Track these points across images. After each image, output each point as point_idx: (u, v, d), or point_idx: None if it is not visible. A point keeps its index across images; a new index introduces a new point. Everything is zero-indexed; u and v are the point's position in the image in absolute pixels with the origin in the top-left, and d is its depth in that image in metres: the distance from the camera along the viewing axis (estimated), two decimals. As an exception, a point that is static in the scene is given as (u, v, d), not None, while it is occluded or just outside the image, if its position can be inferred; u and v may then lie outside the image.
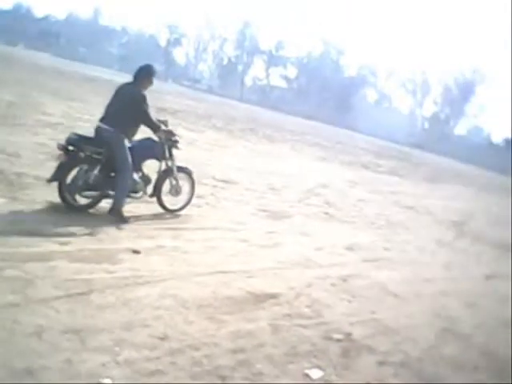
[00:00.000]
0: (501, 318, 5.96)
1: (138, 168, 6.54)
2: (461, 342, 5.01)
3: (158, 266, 5.01)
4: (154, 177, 6.88)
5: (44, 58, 49.62)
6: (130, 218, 6.33)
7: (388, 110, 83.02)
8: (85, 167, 6.12)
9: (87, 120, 12.72)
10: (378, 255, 7.39)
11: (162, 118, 7.04)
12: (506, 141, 68.28)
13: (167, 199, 7.03)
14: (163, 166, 6.93)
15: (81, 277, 4.38)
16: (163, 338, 3.73)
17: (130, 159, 6.22)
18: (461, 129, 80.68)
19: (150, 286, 4.53)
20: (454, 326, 5.36)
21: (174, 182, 6.99)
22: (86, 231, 5.55)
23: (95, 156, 6.10)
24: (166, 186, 6.96)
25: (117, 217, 6.15)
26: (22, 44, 74.68)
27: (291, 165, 15.02)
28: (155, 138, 6.64)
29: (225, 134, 18.67)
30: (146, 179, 6.69)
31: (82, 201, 6.20)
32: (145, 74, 6.48)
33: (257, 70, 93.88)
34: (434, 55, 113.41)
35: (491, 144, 69.85)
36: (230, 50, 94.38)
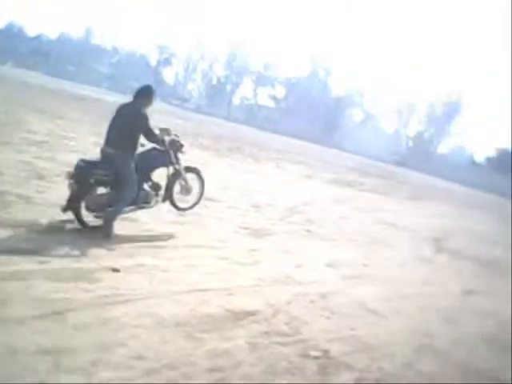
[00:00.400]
0: (479, 334, 5.97)
1: (147, 178, 6.87)
2: (439, 358, 4.99)
3: (138, 285, 4.95)
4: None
5: (33, 77, 49.43)
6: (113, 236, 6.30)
7: (374, 129, 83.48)
8: (95, 191, 6.38)
9: (72, 138, 12.70)
10: (357, 272, 7.36)
11: (163, 127, 7.20)
12: (488, 160, 68.94)
13: (178, 197, 7.40)
14: (171, 171, 7.22)
15: (58, 296, 4.31)
16: (140, 358, 3.68)
17: (134, 178, 6.44)
18: (444, 148, 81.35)
19: (129, 305, 4.47)
20: (432, 343, 5.35)
21: (183, 183, 7.35)
22: (67, 250, 5.49)
23: (104, 178, 6.33)
24: (176, 188, 7.29)
25: (106, 229, 6.25)
26: (11, 62, 74.47)
27: (275, 183, 15.02)
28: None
29: (211, 153, 18.64)
30: (156, 187, 6.99)
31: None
32: (144, 94, 6.65)
33: (245, 90, 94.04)
34: (420, 75, 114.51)
35: (473, 163, 70.45)
36: (219, 70, 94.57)
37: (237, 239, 7.60)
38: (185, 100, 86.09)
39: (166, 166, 7.14)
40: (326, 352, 4.46)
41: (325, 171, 23.49)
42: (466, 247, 11.94)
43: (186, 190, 7.44)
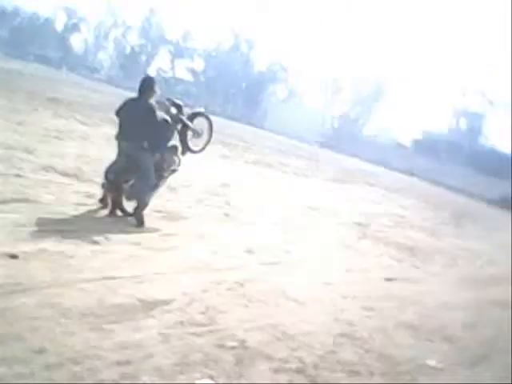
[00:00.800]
0: (399, 322, 6.21)
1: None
2: (358, 346, 5.16)
3: (38, 272, 4.82)
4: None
5: None
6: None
7: (298, 107, 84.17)
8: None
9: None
10: (278, 258, 7.48)
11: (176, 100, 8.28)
12: (414, 142, 71.21)
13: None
14: (179, 126, 8.16)
15: None
16: (40, 352, 3.60)
17: (152, 168, 7.53)
18: (370, 129, 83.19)
19: (28, 295, 4.34)
20: (353, 331, 5.52)
21: (193, 130, 8.40)
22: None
23: (131, 175, 7.49)
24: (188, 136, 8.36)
25: (138, 217, 7.32)
26: None
27: (190, 163, 14.90)
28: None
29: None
30: (175, 151, 8.16)
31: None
32: (147, 86, 7.57)
33: (161, 61, 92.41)
34: (345, 52, 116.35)
35: (399, 145, 72.53)
36: (133, 39, 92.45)
37: (149, 223, 7.52)
38: (95, 70, 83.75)
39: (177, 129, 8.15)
40: (243, 342, 4.52)
41: (245, 151, 23.59)
42: (390, 233, 12.36)
43: (198, 134, 8.55)
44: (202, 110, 8.86)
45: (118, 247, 6.13)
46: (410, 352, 5.36)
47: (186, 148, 8.44)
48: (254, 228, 9.05)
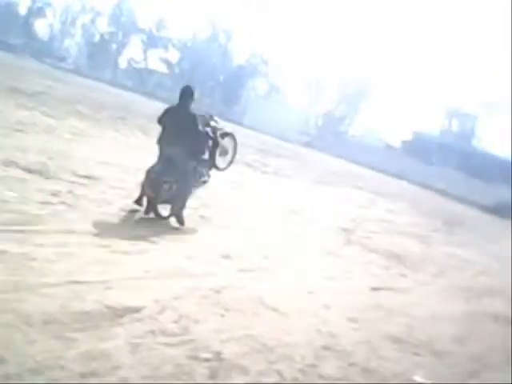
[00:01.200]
0: (385, 334, 6.26)
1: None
2: (341, 359, 5.20)
3: (-3, 276, 4.79)
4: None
5: None
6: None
7: (279, 104, 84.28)
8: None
9: None
10: (256, 265, 7.51)
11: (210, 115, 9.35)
12: (403, 143, 71.72)
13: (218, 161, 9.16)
14: (211, 143, 8.96)
15: None
16: (-3, 362, 3.57)
17: (191, 175, 8.55)
18: (356, 129, 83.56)
19: (-14, 300, 4.32)
20: (335, 343, 5.56)
21: (220, 149, 9.17)
22: None
23: (171, 179, 8.27)
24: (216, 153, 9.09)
25: (178, 218, 8.40)
26: None
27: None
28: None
29: (90, 123, 18.20)
30: (207, 163, 9.01)
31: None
32: (188, 95, 8.63)
33: (133, 51, 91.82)
34: (331, 46, 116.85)
35: (388, 146, 72.96)
36: (103, 26, 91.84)
37: (119, 224, 7.51)
38: (61, 59, 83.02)
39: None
40: (218, 354, 4.53)
41: (223, 149, 23.54)
42: (377, 239, 12.46)
43: (225, 152, 9.40)
44: (231, 131, 9.84)
45: (86, 249, 6.10)
46: (395, 366, 5.42)
47: (213, 164, 9.16)
48: (231, 232, 9.08)
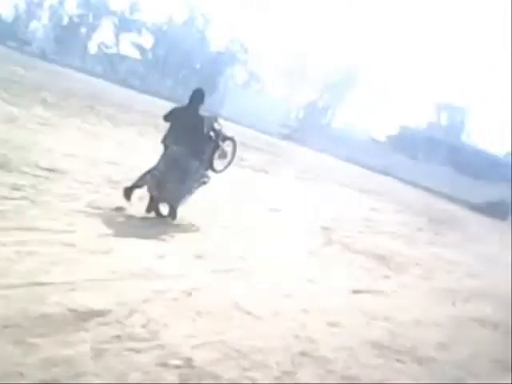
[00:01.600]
0: (366, 339, 6.29)
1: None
2: (320, 366, 5.21)
3: (-47, 276, 4.75)
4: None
5: None
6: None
7: (259, 93, 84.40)
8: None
9: None
10: (231, 265, 7.50)
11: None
12: (390, 137, 72.13)
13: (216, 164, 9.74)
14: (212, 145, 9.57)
15: None
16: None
17: (193, 175, 9.13)
18: (340, 122, 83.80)
19: None
20: (314, 349, 5.57)
21: (220, 152, 9.75)
22: None
23: (174, 177, 8.83)
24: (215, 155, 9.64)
25: (173, 214, 8.90)
26: None
27: (137, 153, 14.84)
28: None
29: (56, 112, 18.07)
30: (208, 164, 9.57)
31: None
32: (199, 97, 9.27)
33: (104, 35, 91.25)
34: (315, 33, 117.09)
35: (373, 141, 73.28)
36: (71, 8, 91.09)
37: (86, 221, 7.46)
38: (25, 42, 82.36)
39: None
40: (188, 360, 4.52)
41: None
42: (360, 239, 12.52)
43: (224, 155, 9.92)
44: (232, 135, 10.22)
45: (49, 248, 6.05)
46: (377, 374, 5.45)
47: (210, 166, 9.67)
48: (204, 230, 9.06)
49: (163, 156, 9.07)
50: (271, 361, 4.98)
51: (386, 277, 9.73)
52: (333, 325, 6.42)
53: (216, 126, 9.62)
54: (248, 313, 5.95)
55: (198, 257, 7.41)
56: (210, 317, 5.55)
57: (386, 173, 50.97)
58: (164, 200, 8.95)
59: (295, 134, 66.95)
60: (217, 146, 9.63)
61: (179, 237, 8.25)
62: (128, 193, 8.75)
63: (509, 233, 28.79)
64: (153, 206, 8.90)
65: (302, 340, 5.71)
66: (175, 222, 8.88)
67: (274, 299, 6.68)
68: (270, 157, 28.25)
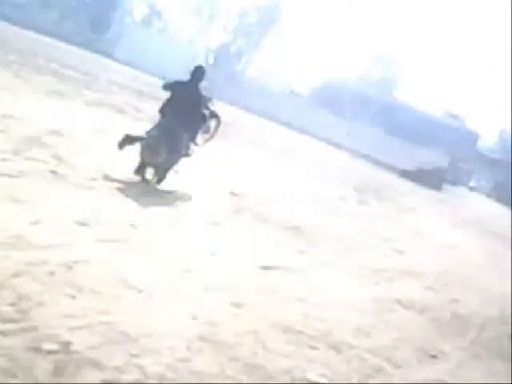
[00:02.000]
0: (275, 322, 6.38)
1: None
2: (220, 353, 5.26)
3: None
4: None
5: None
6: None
7: (161, 33, 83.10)
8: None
9: None
10: (119, 234, 7.44)
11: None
12: (313, 90, 72.61)
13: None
14: None
15: None
16: None
17: (183, 146, 11.06)
18: (255, 70, 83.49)
19: None
20: (215, 332, 5.63)
21: (206, 127, 11.91)
22: None
23: (165, 146, 10.55)
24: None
25: (159, 177, 10.83)
26: None
27: (10, 100, 14.47)
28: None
29: None
30: (194, 138, 11.51)
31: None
32: (200, 75, 11.46)
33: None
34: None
35: (293, 94, 73.56)
36: None
37: None
38: None
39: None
40: (66, 345, 4.49)
41: (86, 87, 23.14)
42: (272, 207, 12.66)
43: (207, 131, 12.04)
44: (219, 114, 12.19)
45: None
46: (286, 362, 5.54)
47: (193, 139, 11.54)
48: (91, 193, 8.93)
49: (159, 124, 10.83)
50: (163, 346, 5.00)
51: (301, 252, 9.85)
52: (237, 305, 6.48)
53: (210, 105, 11.64)
54: (138, 290, 5.94)
55: (82, 223, 7.30)
56: (94, 294, 5.51)
57: (306, 131, 51.27)
58: (155, 165, 10.66)
59: (206, 82, 66.45)
60: (204, 123, 11.67)
61: (60, 199, 8.10)
62: (123, 144, 10.64)
63: (444, 204, 29.73)
64: (141, 169, 10.58)
65: (200, 322, 5.74)
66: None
67: (169, 275, 6.68)
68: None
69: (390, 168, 43.10)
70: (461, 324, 8.99)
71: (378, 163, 43.75)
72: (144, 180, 10.71)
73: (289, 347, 5.91)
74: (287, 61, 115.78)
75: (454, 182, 52.72)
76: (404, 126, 59.36)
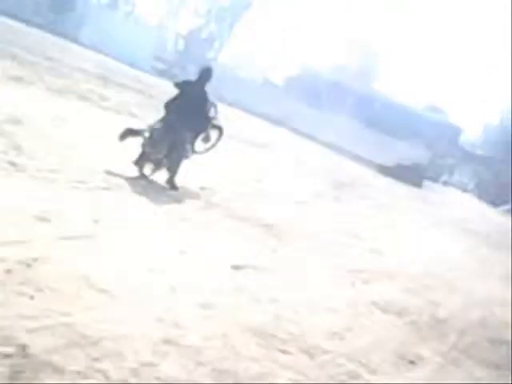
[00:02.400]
0: (245, 325, 6.40)
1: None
2: (187, 357, 5.27)
3: None
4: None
5: None
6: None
7: (128, 16, 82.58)
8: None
9: None
10: (81, 230, 7.42)
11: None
12: (288, 79, 72.46)
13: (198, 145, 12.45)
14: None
15: None
16: None
17: (183, 145, 11.73)
18: (228, 57, 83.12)
19: None
20: (181, 336, 5.63)
21: (207, 136, 12.69)
22: None
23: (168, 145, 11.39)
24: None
25: (171, 184, 11.55)
26: None
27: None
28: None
29: None
30: (194, 142, 12.34)
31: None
32: (208, 75, 12.36)
33: None
34: None
35: (267, 82, 73.37)
36: None
37: None
38: None
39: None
40: (23, 348, 4.47)
41: (48, 73, 22.96)
42: (244, 203, 12.67)
43: (207, 139, 12.73)
44: (222, 125, 13.12)
45: None
46: (256, 367, 5.57)
47: (192, 146, 12.27)
48: (50, 186, 8.87)
49: (163, 119, 11.64)
50: (127, 349, 5.00)
51: (274, 250, 9.87)
52: (205, 307, 6.49)
53: (213, 111, 12.45)
54: (101, 290, 5.93)
55: (41, 219, 7.27)
56: (53, 294, 5.49)
57: (280, 123, 51.14)
58: (154, 160, 11.38)
59: (172, 69, 66.06)
60: (205, 130, 12.39)
61: (18, 192, 8.06)
62: (124, 137, 11.43)
63: (424, 202, 29.91)
64: (141, 162, 11.29)
65: (166, 324, 5.74)
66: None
67: (134, 274, 6.67)
68: (140, 97, 27.85)
69: (368, 163, 43.06)
70: (440, 328, 9.04)
71: (355, 157, 43.71)
72: (141, 174, 11.27)
73: (260, 351, 5.93)
74: (261, 48, 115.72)
75: (434, 179, 52.90)
76: (383, 118, 59.43)
